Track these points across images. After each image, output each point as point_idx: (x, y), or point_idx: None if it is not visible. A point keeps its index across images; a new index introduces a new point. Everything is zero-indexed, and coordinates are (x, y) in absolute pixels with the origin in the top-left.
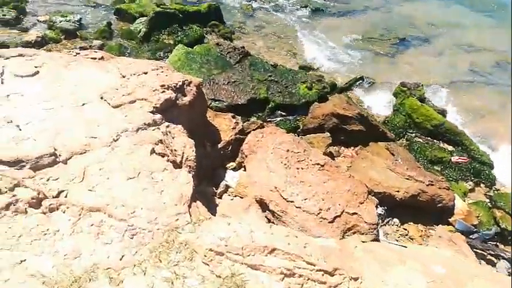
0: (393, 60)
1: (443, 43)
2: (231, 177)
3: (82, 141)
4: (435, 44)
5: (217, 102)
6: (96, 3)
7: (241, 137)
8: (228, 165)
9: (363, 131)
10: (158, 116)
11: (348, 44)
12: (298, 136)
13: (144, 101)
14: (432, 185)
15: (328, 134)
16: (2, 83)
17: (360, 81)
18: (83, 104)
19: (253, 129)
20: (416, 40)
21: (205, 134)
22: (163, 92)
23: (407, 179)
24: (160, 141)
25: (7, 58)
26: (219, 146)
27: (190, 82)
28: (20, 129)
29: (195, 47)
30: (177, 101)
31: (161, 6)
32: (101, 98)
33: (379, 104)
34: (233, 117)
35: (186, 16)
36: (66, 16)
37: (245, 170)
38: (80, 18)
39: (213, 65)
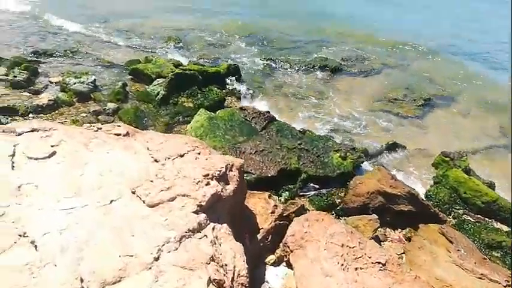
0: (422, 123)
1: (468, 101)
2: (273, 276)
3: (115, 263)
4: (460, 103)
5: (245, 175)
6: (110, 62)
7: (281, 223)
8: (267, 260)
9: (412, 212)
10: (203, 217)
11: (372, 106)
12: (338, 217)
13: (186, 197)
14: (510, 286)
15: (376, 217)
16: (13, 168)
17: (392, 148)
18: (111, 202)
19: (293, 212)
20: (440, 100)
21: (243, 222)
22: (208, 184)
23: (479, 278)
24: (212, 258)
25: (19, 134)
26: (259, 237)
27: (233, 165)
28: (37, 249)
29: (218, 112)
30: (221, 193)
31: (180, 67)
32: (133, 192)
33: (415, 174)
34: (269, 197)
35: (205, 77)
36: (80, 77)
37: (289, 267)
38: (94, 79)
39: (238, 132)
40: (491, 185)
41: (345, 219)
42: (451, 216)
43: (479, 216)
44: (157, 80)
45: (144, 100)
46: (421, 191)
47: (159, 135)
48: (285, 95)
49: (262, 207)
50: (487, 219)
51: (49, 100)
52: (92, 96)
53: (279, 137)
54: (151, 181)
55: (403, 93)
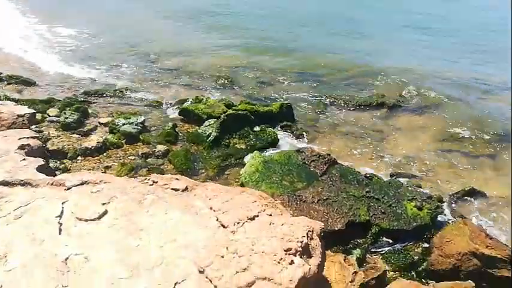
0: (496, 164)
1: None
2: None
3: None
4: None
5: None
6: (160, 102)
7: None
8: None
9: None
10: None
11: (437, 145)
12: (424, 280)
13: (268, 282)
14: None
15: (473, 284)
16: (60, 232)
17: (469, 194)
18: (176, 285)
19: (374, 278)
20: None
21: None
22: (291, 262)
23: None
24: None
25: (68, 189)
26: None
27: (313, 231)
28: None
29: (273, 154)
30: (308, 273)
31: (232, 107)
32: (201, 272)
33: (500, 226)
34: (345, 259)
35: (258, 117)
36: (129, 118)
37: None
38: (144, 120)
39: (295, 177)
40: None
41: (433, 285)
42: None
43: None
44: (209, 120)
45: (195, 141)
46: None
47: (221, 189)
48: (342, 134)
49: (339, 273)
50: None
51: (98, 142)
52: (140, 137)
53: (343, 183)
54: (222, 257)
55: (471, 130)
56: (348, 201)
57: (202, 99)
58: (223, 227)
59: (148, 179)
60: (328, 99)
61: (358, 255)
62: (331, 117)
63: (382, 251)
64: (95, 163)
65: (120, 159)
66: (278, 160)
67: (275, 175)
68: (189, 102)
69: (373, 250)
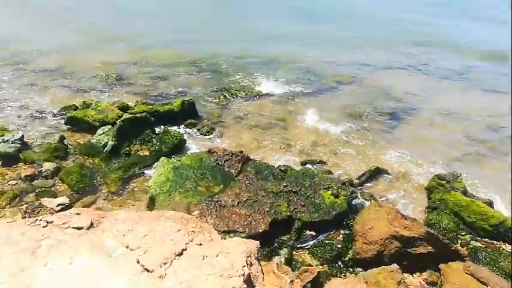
0: (393, 140)
1: (429, 112)
2: None
3: None
4: (422, 114)
5: (231, 236)
6: (40, 111)
7: None
8: None
9: (431, 253)
10: None
11: (337, 127)
12: (352, 270)
13: None
14: None
15: (397, 267)
16: None
17: (375, 174)
18: None
19: (310, 282)
20: (402, 113)
21: None
22: None
23: None
24: None
25: None
26: None
27: (250, 254)
28: None
29: (182, 159)
30: None
31: (128, 110)
32: None
33: (407, 201)
34: (278, 267)
35: (158, 118)
36: (3, 135)
37: None
38: (22, 136)
39: (211, 180)
40: (491, 204)
41: (363, 275)
42: (458, 244)
43: (487, 240)
44: (102, 128)
45: (89, 154)
46: (418, 218)
47: (135, 217)
48: (248, 127)
49: (275, 285)
50: (495, 242)
51: None
52: (21, 156)
53: (259, 180)
54: None
55: (364, 109)
56: (268, 199)
57: (91, 103)
58: (148, 271)
59: (41, 220)
60: (228, 92)
61: (286, 255)
62: (235, 110)
63: (307, 245)
64: None
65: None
66: (189, 164)
67: (188, 181)
68: (76, 109)
69: (298, 246)
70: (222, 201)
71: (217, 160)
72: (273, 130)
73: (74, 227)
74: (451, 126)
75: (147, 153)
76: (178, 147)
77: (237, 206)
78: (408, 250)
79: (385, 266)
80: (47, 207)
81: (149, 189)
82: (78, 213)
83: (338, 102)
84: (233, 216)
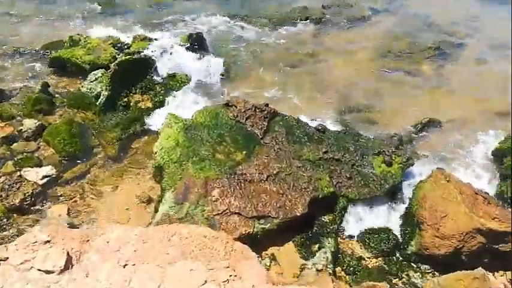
0: (441, 80)
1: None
2: None
3: None
4: (473, 48)
5: (262, 222)
6: (16, 48)
7: None
8: None
9: None
10: None
11: (377, 67)
12: (413, 265)
13: None
14: None
15: (483, 272)
16: None
17: (427, 127)
18: None
19: None
20: (450, 47)
21: None
22: None
23: None
24: None
25: None
26: None
27: None
28: None
29: (194, 115)
30: None
31: (124, 50)
32: None
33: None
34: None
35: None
36: None
37: None
38: None
39: (231, 144)
40: None
41: (437, 280)
42: None
43: None
44: (94, 73)
45: (79, 106)
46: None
47: (135, 239)
48: (269, 65)
49: None
50: None
51: None
52: None
53: (291, 143)
54: None
55: (406, 44)
56: (305, 171)
57: (80, 39)
58: None
59: None
60: (244, 20)
61: (331, 248)
62: (252, 43)
63: (356, 232)
64: None
65: None
66: (203, 123)
67: (203, 146)
68: (62, 46)
69: (347, 235)
70: (248, 175)
71: (237, 116)
72: (298, 68)
73: (40, 269)
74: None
75: (149, 104)
76: (185, 94)
77: (267, 181)
78: (494, 246)
79: (467, 272)
80: (29, 181)
81: (155, 157)
82: (47, 241)
83: (373, 34)
84: (262, 195)
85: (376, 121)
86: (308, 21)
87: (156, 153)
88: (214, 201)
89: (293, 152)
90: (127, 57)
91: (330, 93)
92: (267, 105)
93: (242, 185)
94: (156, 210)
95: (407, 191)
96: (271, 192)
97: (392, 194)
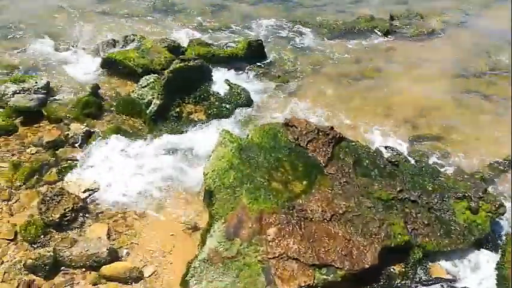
0: None
1: None
2: None
3: None
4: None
5: (324, 272)
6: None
7: None
8: None
9: None
10: None
11: (450, 86)
12: None
13: None
14: None
15: None
16: None
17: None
18: None
19: None
20: None
21: None
22: None
23: None
24: None
25: None
26: None
27: None
28: None
29: (250, 134)
30: None
31: (179, 56)
32: None
33: None
34: None
35: (216, 63)
36: (23, 81)
37: None
38: (47, 83)
39: (290, 172)
40: None
41: None
42: None
43: None
44: (146, 78)
45: (129, 112)
46: None
47: None
48: (331, 78)
49: None
50: None
51: None
52: (44, 112)
53: (359, 175)
54: None
55: (485, 64)
56: (376, 212)
57: (134, 38)
58: None
59: None
60: (304, 27)
61: None
62: (313, 53)
63: None
64: None
65: (13, 155)
66: (260, 143)
67: (259, 172)
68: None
69: None
70: (308, 211)
71: (297, 139)
72: (363, 83)
73: None
74: None
75: (202, 116)
76: (244, 107)
77: (331, 222)
78: None
79: None
80: (70, 194)
81: (205, 179)
82: None
83: (447, 50)
84: (325, 238)
85: (451, 153)
86: (374, 32)
87: (206, 174)
88: (269, 241)
89: (362, 187)
90: (182, 64)
91: (397, 116)
92: (331, 128)
93: (302, 223)
94: (203, 241)
95: (495, 246)
96: (335, 236)
97: (478, 248)
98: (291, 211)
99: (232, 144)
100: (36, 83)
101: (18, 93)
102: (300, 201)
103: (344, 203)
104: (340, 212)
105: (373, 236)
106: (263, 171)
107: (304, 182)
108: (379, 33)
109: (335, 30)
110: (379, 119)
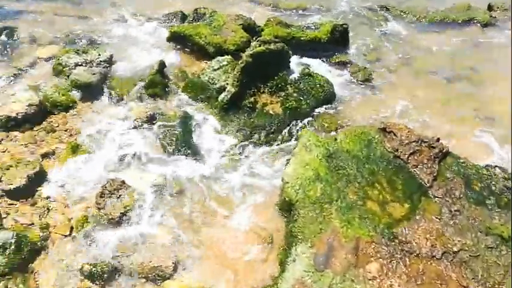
0: None
1: None
2: None
3: None
4: None
5: None
6: (134, 15)
7: None
8: None
9: None
10: None
11: None
12: None
13: None
14: None
15: None
16: None
17: None
18: None
19: None
20: None
21: None
22: None
23: None
24: None
25: None
26: None
27: None
28: None
29: (338, 137)
30: None
31: (257, 36)
32: None
33: None
34: None
35: (295, 48)
36: (86, 52)
37: None
38: (111, 56)
39: (388, 189)
40: None
41: None
42: None
43: None
44: (218, 59)
45: (196, 95)
46: None
47: None
48: (422, 74)
49: None
50: None
51: (29, 105)
52: (105, 89)
53: (473, 204)
54: None
55: None
56: (500, 255)
57: (205, 12)
58: None
59: None
60: (390, 13)
61: None
62: (400, 44)
63: None
64: (24, 146)
65: (71, 136)
66: (351, 151)
67: (351, 187)
68: (184, 19)
69: None
70: (414, 244)
71: (397, 150)
72: (461, 85)
73: None
74: None
75: (279, 109)
76: (326, 103)
77: (441, 261)
78: None
79: None
80: (132, 189)
81: (286, 187)
82: None
83: None
84: (436, 281)
85: None
86: (471, 24)
87: (287, 183)
88: (370, 279)
89: (478, 219)
90: (263, 47)
91: (503, 127)
92: (438, 140)
93: (407, 260)
94: (283, 265)
95: None
96: (448, 280)
97: None
98: (393, 242)
99: (318, 149)
100: (99, 55)
101: (80, 65)
102: (403, 230)
103: (458, 238)
104: (454, 249)
105: (496, 286)
106: (356, 186)
107: (406, 205)
108: (477, 25)
109: (425, 18)
110: (480, 130)
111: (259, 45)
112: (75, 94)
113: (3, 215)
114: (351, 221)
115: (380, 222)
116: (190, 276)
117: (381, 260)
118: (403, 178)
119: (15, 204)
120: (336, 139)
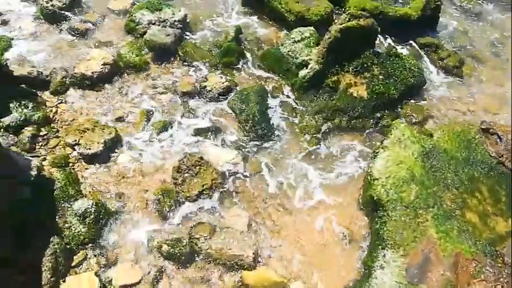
0: None
1: None
2: None
3: None
4: None
5: None
6: None
7: None
8: None
9: None
10: None
11: None
12: None
13: None
14: None
15: None
16: None
17: None
18: None
19: None
20: None
21: None
22: None
23: None
24: None
25: None
26: None
27: None
28: None
29: (436, 133)
30: None
31: (348, 12)
32: None
33: None
34: None
35: (383, 25)
36: (160, 9)
37: None
38: (185, 16)
39: (488, 200)
40: None
41: None
42: None
43: None
44: (300, 30)
45: (274, 69)
46: None
47: None
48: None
49: None
50: None
51: (104, 64)
52: (179, 52)
53: None
54: None
55: None
56: None
57: None
58: None
59: None
60: None
61: None
62: (492, 29)
63: None
64: (99, 107)
65: (143, 101)
66: (449, 151)
67: (449, 192)
68: None
69: None
70: None
71: (501, 156)
72: None
73: None
74: None
75: (363, 92)
76: (414, 91)
77: None
78: None
79: None
80: (210, 166)
81: (373, 183)
82: None
83: None
84: None
85: None
86: None
87: (376, 179)
88: None
89: None
90: (353, 22)
91: None
92: None
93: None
94: (369, 269)
95: None
96: None
97: None
98: (496, 258)
99: (414, 146)
100: (173, 14)
101: (154, 24)
102: (507, 249)
103: None
104: None
105: None
106: (454, 193)
107: (510, 220)
108: None
109: None
110: None
111: (349, 20)
112: (148, 55)
113: (81, 180)
114: (449, 233)
115: (481, 237)
116: (266, 264)
117: (484, 282)
118: (506, 188)
119: (91, 169)
120: (431, 135)
